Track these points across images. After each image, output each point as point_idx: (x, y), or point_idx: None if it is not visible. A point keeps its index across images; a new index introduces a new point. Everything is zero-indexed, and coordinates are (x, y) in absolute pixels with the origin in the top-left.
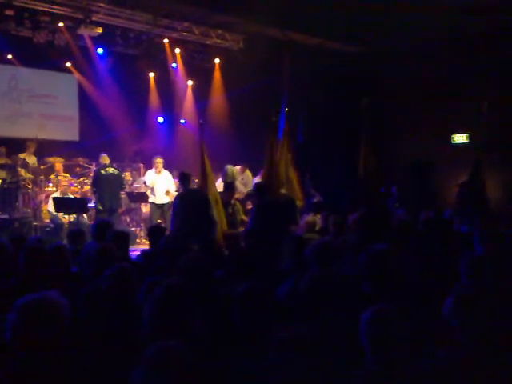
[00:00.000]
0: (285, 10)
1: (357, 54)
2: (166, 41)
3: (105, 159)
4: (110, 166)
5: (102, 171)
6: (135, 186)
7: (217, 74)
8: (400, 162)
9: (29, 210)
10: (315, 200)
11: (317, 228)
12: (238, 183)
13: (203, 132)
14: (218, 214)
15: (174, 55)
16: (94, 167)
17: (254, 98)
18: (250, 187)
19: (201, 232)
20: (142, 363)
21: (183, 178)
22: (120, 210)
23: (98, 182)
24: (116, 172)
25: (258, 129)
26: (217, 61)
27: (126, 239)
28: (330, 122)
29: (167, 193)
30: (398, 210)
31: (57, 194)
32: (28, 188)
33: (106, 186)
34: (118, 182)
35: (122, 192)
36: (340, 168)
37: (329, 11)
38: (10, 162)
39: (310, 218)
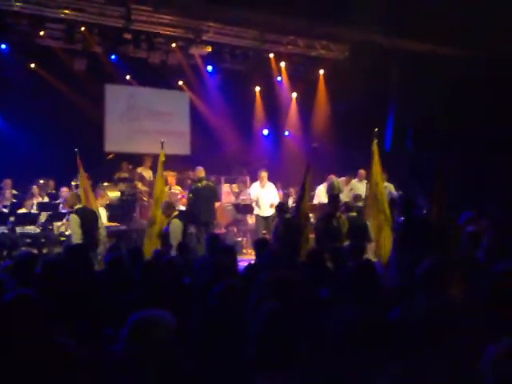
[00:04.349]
0: (391, 16)
1: (470, 58)
2: (271, 55)
3: (201, 172)
4: (205, 179)
5: (199, 184)
6: (242, 197)
7: (321, 85)
8: None
9: (145, 221)
10: (424, 212)
11: None
12: (342, 196)
13: (316, 155)
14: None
15: (279, 69)
16: None
17: (361, 108)
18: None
19: None
20: None
21: None
22: (223, 222)
23: (196, 195)
24: (211, 185)
25: (363, 139)
26: (321, 72)
27: (233, 252)
28: (444, 129)
29: (271, 205)
30: None
31: None
32: (144, 200)
33: (202, 199)
34: (213, 195)
35: (217, 203)
36: (457, 176)
37: (439, 15)
38: (128, 175)
39: None
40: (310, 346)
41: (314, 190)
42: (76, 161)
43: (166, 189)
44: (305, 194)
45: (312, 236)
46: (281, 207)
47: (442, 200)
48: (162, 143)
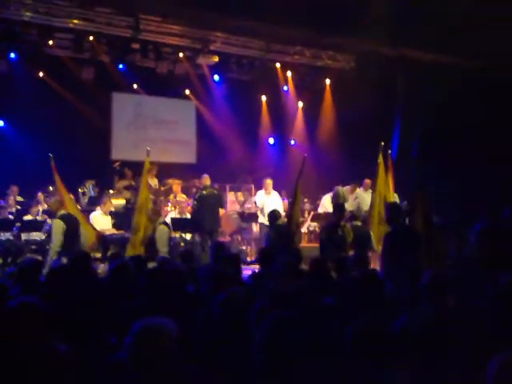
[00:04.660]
0: (396, 27)
1: (475, 68)
2: (278, 65)
3: (206, 180)
4: (211, 187)
5: (204, 192)
6: (247, 206)
7: (327, 95)
8: None
9: None
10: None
11: None
12: (347, 205)
13: (304, 165)
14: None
15: (285, 78)
16: None
17: (367, 118)
18: (365, 205)
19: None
20: None
21: None
22: (228, 230)
23: (200, 203)
24: (216, 192)
25: (369, 149)
26: (327, 81)
27: (237, 261)
28: (448, 138)
29: None
30: None
31: (175, 214)
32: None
33: (207, 207)
34: (218, 203)
35: (222, 211)
36: (459, 184)
37: (444, 25)
38: (133, 183)
39: None
40: (316, 356)
41: (319, 198)
42: (51, 167)
43: (172, 196)
44: (296, 201)
45: (307, 245)
46: (273, 215)
47: (423, 210)
48: (148, 151)
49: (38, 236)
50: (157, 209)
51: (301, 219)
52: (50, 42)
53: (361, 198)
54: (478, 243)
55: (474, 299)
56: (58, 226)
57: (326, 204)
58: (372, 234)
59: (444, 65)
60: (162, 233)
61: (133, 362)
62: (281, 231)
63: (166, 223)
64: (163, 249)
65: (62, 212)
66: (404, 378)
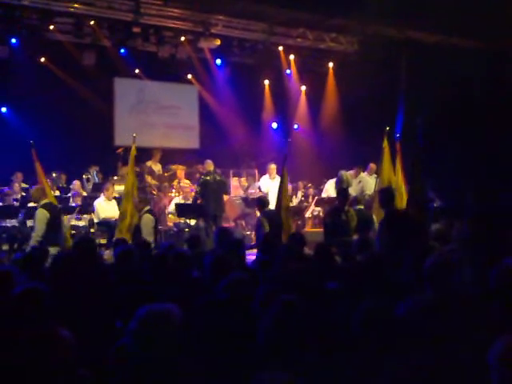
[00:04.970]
0: (400, 8)
1: (480, 51)
2: (280, 48)
3: (210, 166)
4: (214, 172)
5: (207, 177)
6: (250, 191)
7: (330, 78)
8: None
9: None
10: (434, 205)
11: None
12: (351, 189)
13: (289, 148)
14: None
15: (288, 62)
16: None
17: (370, 101)
18: (369, 189)
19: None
20: None
21: None
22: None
23: (204, 188)
24: (219, 178)
25: (373, 132)
26: (330, 64)
27: (241, 246)
28: (452, 124)
29: None
30: None
31: (179, 200)
32: (153, 194)
33: (211, 193)
34: (222, 188)
35: (226, 196)
36: (462, 170)
37: (448, 7)
38: (137, 169)
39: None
40: (321, 340)
41: (323, 183)
42: (32, 153)
43: (175, 182)
44: (284, 186)
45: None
46: (260, 201)
47: (419, 196)
48: (134, 137)
49: None
50: (144, 197)
51: (305, 204)
52: (51, 27)
53: (364, 181)
54: (472, 230)
55: (471, 285)
56: (42, 216)
57: (329, 189)
58: (375, 217)
59: (448, 47)
60: (146, 221)
61: (136, 346)
62: (271, 217)
63: (151, 212)
64: (148, 238)
65: (45, 201)
66: (406, 365)
